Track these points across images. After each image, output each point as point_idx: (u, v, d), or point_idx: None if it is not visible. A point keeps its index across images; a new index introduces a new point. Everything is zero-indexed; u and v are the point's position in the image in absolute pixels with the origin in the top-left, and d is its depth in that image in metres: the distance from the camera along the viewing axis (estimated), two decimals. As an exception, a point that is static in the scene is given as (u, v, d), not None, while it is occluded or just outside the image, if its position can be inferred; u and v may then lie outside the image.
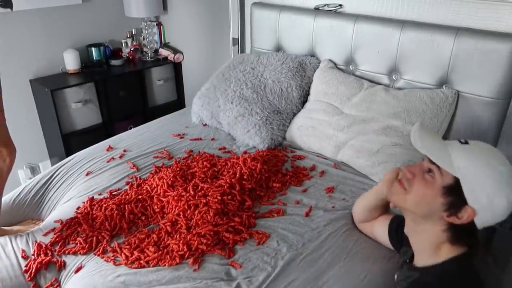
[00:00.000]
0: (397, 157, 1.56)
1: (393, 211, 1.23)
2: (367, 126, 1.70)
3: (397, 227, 1.17)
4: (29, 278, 1.24)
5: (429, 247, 0.93)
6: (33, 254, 1.32)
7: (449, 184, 0.88)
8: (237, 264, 1.21)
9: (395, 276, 1.06)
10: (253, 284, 1.14)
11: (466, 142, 0.91)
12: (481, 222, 0.87)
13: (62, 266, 1.29)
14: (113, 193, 1.56)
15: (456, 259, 0.88)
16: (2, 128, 1.42)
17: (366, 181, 1.61)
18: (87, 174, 1.70)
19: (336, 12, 2.06)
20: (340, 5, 2.05)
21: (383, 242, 1.25)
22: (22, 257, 1.30)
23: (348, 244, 1.29)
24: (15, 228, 1.51)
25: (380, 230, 1.25)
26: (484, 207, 0.85)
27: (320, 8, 2.11)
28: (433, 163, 0.91)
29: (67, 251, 1.32)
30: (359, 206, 1.33)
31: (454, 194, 0.87)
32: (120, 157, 1.80)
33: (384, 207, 1.25)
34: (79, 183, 1.66)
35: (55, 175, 1.72)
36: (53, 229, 1.40)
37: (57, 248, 1.33)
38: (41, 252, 1.32)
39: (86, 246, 1.31)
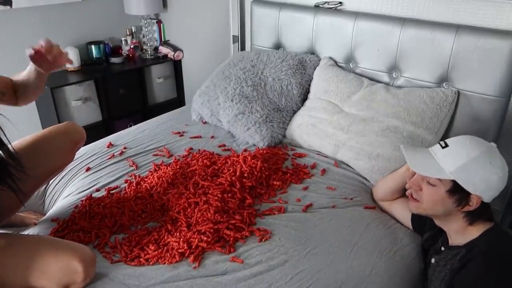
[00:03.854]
0: (396, 163, 1.54)
1: None
2: (367, 126, 1.68)
3: (419, 216, 1.29)
4: None
5: (459, 231, 1.10)
6: None
7: (450, 187, 1.04)
8: (239, 259, 1.21)
9: (432, 260, 1.19)
10: (256, 277, 1.14)
11: (446, 145, 1.08)
12: (487, 198, 1.03)
13: None
14: (111, 191, 1.55)
15: (488, 230, 1.05)
16: None
17: (367, 182, 1.62)
18: (87, 170, 1.70)
19: (336, 10, 2.05)
20: (340, 2, 2.04)
21: (402, 221, 1.39)
22: None
23: (352, 238, 1.29)
24: (21, 214, 1.50)
25: (400, 212, 1.39)
26: (484, 189, 1.02)
27: (320, 5, 2.10)
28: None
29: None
30: (382, 187, 1.46)
31: (458, 192, 1.03)
32: (120, 154, 1.80)
33: (404, 190, 1.34)
34: (79, 178, 1.66)
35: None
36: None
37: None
38: None
39: (85, 239, 1.30)
